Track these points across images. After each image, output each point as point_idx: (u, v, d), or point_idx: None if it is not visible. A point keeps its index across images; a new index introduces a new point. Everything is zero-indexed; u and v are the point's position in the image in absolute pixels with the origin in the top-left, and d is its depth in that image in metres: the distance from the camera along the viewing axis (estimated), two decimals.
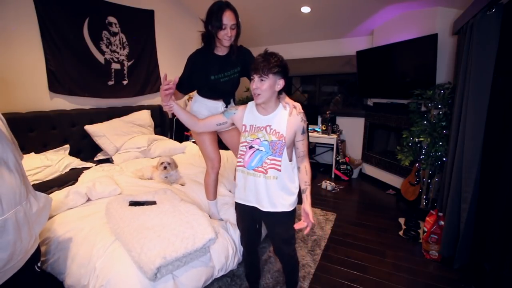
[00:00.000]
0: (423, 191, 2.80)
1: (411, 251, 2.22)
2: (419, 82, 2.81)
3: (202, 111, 1.61)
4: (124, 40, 3.10)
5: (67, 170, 2.21)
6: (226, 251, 1.56)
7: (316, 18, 3.57)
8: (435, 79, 2.74)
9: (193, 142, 3.46)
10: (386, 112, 3.55)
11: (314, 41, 4.27)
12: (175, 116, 1.44)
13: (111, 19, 2.94)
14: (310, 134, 3.97)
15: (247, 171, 1.31)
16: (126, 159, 2.62)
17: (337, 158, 3.95)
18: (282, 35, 4.26)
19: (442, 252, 2.05)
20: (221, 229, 1.62)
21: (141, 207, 1.56)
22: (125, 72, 3.14)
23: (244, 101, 4.29)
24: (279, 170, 1.27)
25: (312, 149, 4.28)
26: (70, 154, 2.48)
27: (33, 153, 2.19)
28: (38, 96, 2.44)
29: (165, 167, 2.13)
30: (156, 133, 3.29)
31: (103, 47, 2.89)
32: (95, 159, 2.69)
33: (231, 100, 1.70)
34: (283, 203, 1.31)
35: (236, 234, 1.64)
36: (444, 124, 2.49)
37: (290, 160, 1.32)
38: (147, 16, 3.33)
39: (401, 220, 2.63)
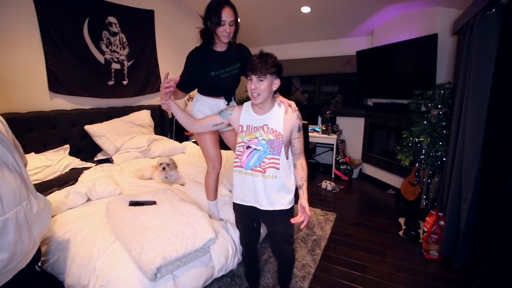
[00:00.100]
0: (423, 191, 2.80)
1: (411, 251, 2.22)
2: (419, 82, 2.81)
3: (204, 109, 1.60)
4: (124, 40, 3.10)
5: (67, 170, 2.21)
6: (226, 251, 1.56)
7: (316, 18, 3.57)
8: (435, 79, 2.74)
9: (193, 142, 3.46)
10: (386, 112, 3.55)
11: (314, 41, 4.27)
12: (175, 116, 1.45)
13: (111, 19, 2.94)
14: (310, 134, 3.97)
15: (244, 171, 1.32)
16: (126, 159, 2.62)
17: (337, 158, 3.95)
18: (282, 35, 4.26)
19: (442, 252, 2.05)
20: (221, 229, 1.62)
21: (141, 207, 1.56)
22: (125, 72, 3.14)
23: (244, 101, 4.29)
24: (278, 169, 1.28)
25: (312, 149, 4.28)
26: (70, 154, 2.48)
27: (33, 153, 2.19)
28: (38, 96, 2.44)
29: (163, 168, 2.13)
30: (156, 133, 3.29)
31: (103, 47, 2.89)
32: (95, 159, 2.69)
33: (233, 98, 1.70)
34: (282, 201, 1.32)
35: (236, 234, 1.64)
36: (444, 124, 2.49)
37: (287, 158, 1.34)
38: (147, 16, 3.33)
39: (401, 220, 2.63)
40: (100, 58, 2.87)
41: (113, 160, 2.61)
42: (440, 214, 2.13)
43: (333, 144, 3.98)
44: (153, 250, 1.21)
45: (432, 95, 2.57)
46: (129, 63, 3.17)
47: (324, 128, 4.05)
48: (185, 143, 3.31)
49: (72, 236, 1.45)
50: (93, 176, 2.10)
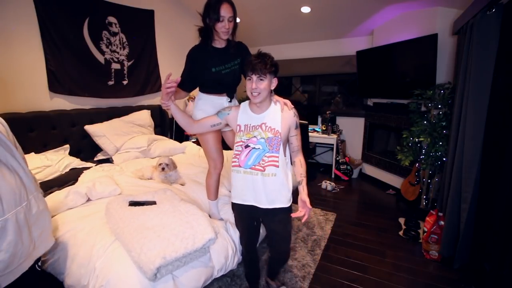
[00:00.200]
0: (423, 191, 2.80)
1: (411, 251, 2.22)
2: (419, 82, 2.81)
3: (207, 108, 1.59)
4: (124, 40, 3.10)
5: (67, 170, 2.21)
6: (226, 251, 1.56)
7: (316, 18, 3.57)
8: (435, 79, 2.74)
9: (193, 142, 3.46)
10: (386, 112, 3.55)
11: (314, 41, 4.26)
12: None
13: (111, 19, 2.94)
14: (310, 134, 3.96)
15: (243, 170, 1.33)
16: (126, 159, 2.62)
17: (337, 158, 3.95)
18: (282, 35, 4.25)
19: (442, 252, 2.05)
20: (221, 229, 1.62)
21: (141, 207, 1.56)
22: (125, 72, 3.14)
23: (244, 101, 4.28)
24: (277, 167, 1.30)
25: (312, 149, 4.28)
26: (70, 154, 2.48)
27: (33, 153, 2.19)
28: (38, 96, 2.44)
29: (163, 169, 2.12)
30: (156, 133, 3.29)
31: (103, 47, 2.89)
32: (95, 159, 2.69)
33: (235, 95, 1.69)
34: (281, 199, 1.34)
35: (236, 234, 1.64)
36: (444, 124, 2.49)
37: (285, 155, 1.36)
38: (147, 16, 3.33)
39: (401, 220, 2.63)
40: (100, 58, 2.87)
41: (113, 160, 2.61)
42: (440, 214, 2.13)
43: (333, 144, 3.98)
44: (153, 250, 1.21)
45: (432, 95, 2.57)
46: (129, 63, 3.17)
47: (324, 128, 4.05)
48: (185, 143, 3.31)
49: (72, 236, 1.45)
50: (93, 176, 2.10)
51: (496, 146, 1.74)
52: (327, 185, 3.55)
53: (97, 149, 2.72)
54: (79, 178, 2.08)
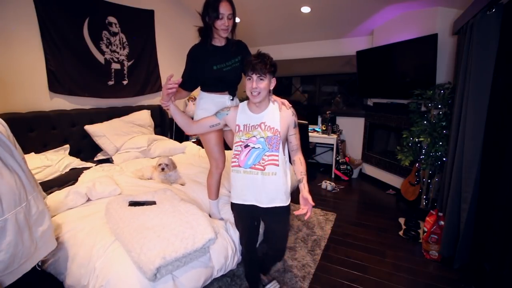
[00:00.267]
0: (423, 191, 2.80)
1: (411, 251, 2.22)
2: (419, 82, 2.81)
3: (209, 106, 1.59)
4: (124, 40, 3.10)
5: (67, 170, 2.21)
6: (226, 251, 1.56)
7: (316, 18, 3.57)
8: (435, 79, 2.74)
9: (193, 142, 3.46)
10: (386, 112, 3.55)
11: (314, 41, 4.26)
12: None
13: (111, 19, 2.94)
14: (310, 134, 3.96)
15: (243, 170, 1.33)
16: (126, 159, 2.62)
17: (337, 158, 3.95)
18: (282, 35, 4.25)
19: (442, 252, 2.05)
20: (220, 229, 1.62)
21: (141, 207, 1.56)
22: (125, 72, 3.14)
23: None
24: (277, 165, 1.31)
25: (312, 149, 4.27)
26: (70, 154, 2.48)
27: (33, 153, 2.19)
28: (38, 96, 2.44)
29: (162, 169, 2.12)
30: (156, 133, 3.29)
31: (103, 47, 2.89)
32: (95, 159, 2.69)
33: (236, 93, 1.69)
34: (281, 197, 1.35)
35: (236, 234, 1.64)
36: (444, 124, 2.49)
37: (284, 154, 1.37)
38: (147, 16, 3.33)
39: (401, 220, 2.63)
40: (100, 58, 2.87)
41: (113, 160, 2.61)
42: (440, 214, 2.13)
43: (333, 144, 3.98)
44: (153, 250, 1.21)
45: (432, 95, 2.57)
46: (129, 63, 3.17)
47: (324, 128, 4.05)
48: (185, 143, 3.31)
49: (72, 236, 1.45)
50: (93, 176, 2.10)
51: (496, 146, 1.74)
52: (327, 185, 3.55)
53: (97, 149, 2.72)
54: (79, 178, 2.08)
